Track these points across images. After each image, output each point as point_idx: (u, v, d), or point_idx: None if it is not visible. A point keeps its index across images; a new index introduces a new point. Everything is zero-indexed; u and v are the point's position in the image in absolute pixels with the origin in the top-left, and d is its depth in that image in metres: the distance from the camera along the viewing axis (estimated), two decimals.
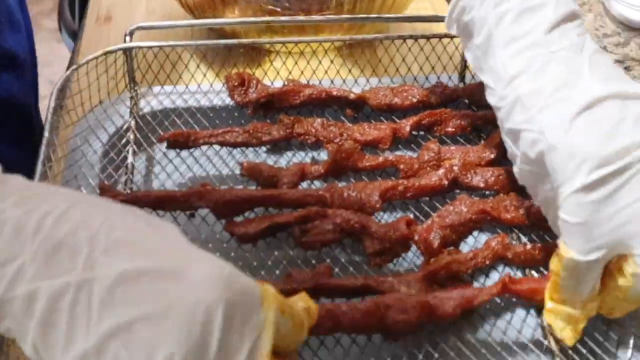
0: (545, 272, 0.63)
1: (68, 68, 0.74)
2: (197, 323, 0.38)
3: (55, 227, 0.40)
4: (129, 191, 0.69)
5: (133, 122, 0.75)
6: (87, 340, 0.39)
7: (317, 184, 0.72)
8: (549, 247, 0.64)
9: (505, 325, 0.62)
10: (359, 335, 0.59)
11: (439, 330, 0.60)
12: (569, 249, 0.54)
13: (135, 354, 0.38)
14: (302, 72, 0.82)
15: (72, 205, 0.42)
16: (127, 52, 0.77)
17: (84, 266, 0.39)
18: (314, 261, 0.65)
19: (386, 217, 0.70)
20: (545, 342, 0.60)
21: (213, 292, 0.39)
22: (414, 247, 0.65)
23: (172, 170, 0.73)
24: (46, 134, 0.68)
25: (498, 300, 0.63)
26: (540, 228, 0.66)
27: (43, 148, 0.67)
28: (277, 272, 0.64)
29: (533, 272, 0.64)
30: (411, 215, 0.68)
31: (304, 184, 0.71)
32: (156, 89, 0.79)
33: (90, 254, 0.40)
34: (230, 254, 0.65)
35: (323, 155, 0.75)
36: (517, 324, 0.62)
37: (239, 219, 0.67)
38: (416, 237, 0.64)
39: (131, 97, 0.78)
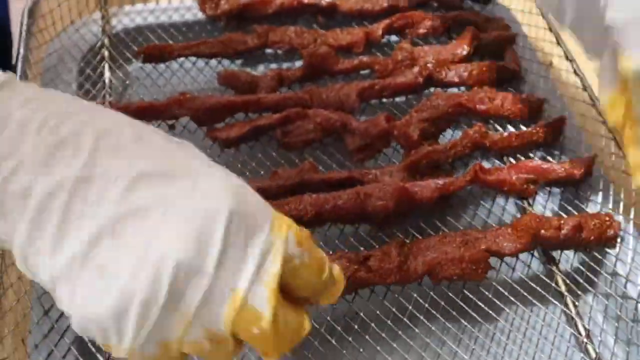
0: (523, 159, 0.65)
1: None
2: (195, 229, 0.35)
3: (60, 125, 0.37)
4: (107, 105, 0.69)
5: (106, 40, 0.75)
6: (76, 244, 0.36)
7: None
8: (525, 134, 0.66)
9: (486, 211, 0.64)
10: (345, 225, 0.61)
11: (423, 218, 0.61)
12: (633, 56, 0.47)
13: (126, 255, 0.35)
14: None
15: (81, 109, 0.39)
16: None
17: (85, 164, 0.37)
18: (297, 161, 0.66)
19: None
20: None
21: (217, 201, 0.36)
22: (394, 146, 0.67)
23: (150, 84, 0.73)
24: (21, 50, 0.67)
25: (478, 189, 0.65)
26: (516, 117, 0.68)
27: (19, 65, 0.66)
28: (262, 172, 0.65)
29: (511, 159, 0.66)
30: None
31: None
32: (127, 7, 0.79)
33: (93, 153, 0.37)
34: (214, 160, 0.66)
35: (298, 66, 0.75)
36: (498, 210, 0.64)
37: (219, 126, 0.67)
38: (396, 132, 0.66)
39: (102, 16, 0.77)
